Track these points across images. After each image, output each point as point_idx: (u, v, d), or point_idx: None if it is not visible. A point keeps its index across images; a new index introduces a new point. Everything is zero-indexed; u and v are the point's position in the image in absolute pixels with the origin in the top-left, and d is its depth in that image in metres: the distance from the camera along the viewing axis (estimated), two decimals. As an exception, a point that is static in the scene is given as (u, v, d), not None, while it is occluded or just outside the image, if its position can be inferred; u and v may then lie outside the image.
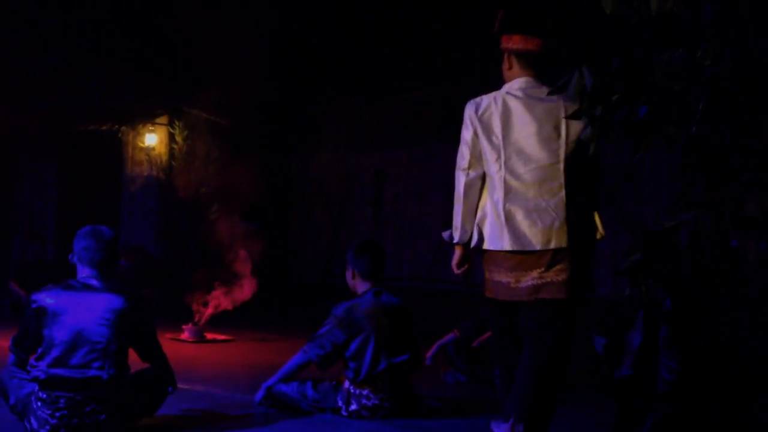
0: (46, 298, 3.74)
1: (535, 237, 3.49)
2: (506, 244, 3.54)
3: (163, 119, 10.86)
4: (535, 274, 3.53)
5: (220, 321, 7.95)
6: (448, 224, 3.84)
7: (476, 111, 3.67)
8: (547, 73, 3.65)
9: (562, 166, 3.51)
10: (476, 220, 3.67)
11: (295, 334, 7.21)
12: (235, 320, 8.28)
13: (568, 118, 3.43)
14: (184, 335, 7.68)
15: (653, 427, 2.44)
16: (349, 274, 4.67)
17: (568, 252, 3.50)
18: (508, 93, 3.64)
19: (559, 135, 3.53)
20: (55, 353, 3.66)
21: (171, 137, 10.80)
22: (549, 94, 3.24)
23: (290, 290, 10.56)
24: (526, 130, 3.55)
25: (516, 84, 3.66)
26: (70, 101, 10.70)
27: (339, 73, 10.49)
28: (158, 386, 4.01)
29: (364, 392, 4.34)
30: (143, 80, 10.53)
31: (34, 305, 3.75)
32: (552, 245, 3.49)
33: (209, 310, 7.88)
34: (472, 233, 3.68)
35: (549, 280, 3.51)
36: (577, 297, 3.59)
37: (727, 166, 2.40)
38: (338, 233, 10.80)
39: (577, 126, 3.40)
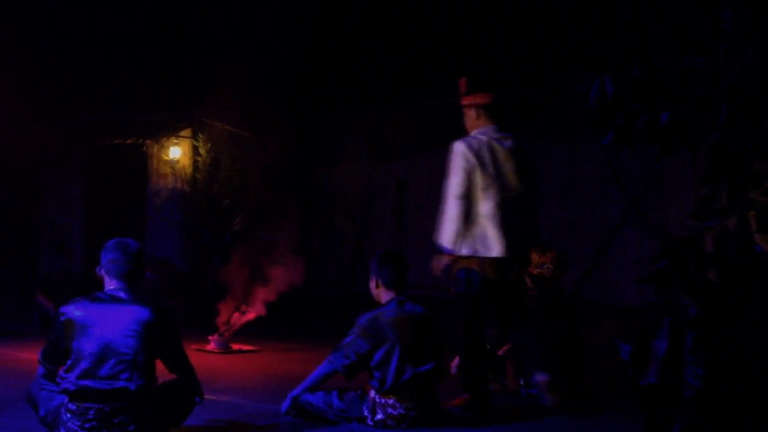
0: (74, 311, 3.79)
1: (516, 246, 4.73)
2: (500, 252, 4.69)
3: (187, 132, 10.95)
4: (515, 273, 4.86)
5: (245, 331, 7.98)
6: None
7: (470, 149, 4.75)
8: (504, 121, 4.91)
9: (530, 195, 4.86)
10: (466, 235, 4.70)
11: (319, 344, 7.22)
12: (261, 331, 8.31)
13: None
14: (210, 346, 7.72)
15: (680, 434, 2.42)
16: (372, 284, 4.68)
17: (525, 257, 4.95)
18: (488, 137, 4.80)
19: (524, 172, 4.81)
20: (83, 365, 3.71)
21: (195, 150, 10.89)
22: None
23: (314, 300, 10.58)
24: (508, 167, 4.76)
25: (488, 131, 4.85)
26: (95, 116, 10.84)
27: (361, 84, 10.53)
28: (185, 397, 4.04)
29: (390, 401, 4.34)
30: (166, 94, 10.63)
31: (62, 318, 3.80)
32: (523, 251, 4.87)
33: (235, 321, 7.91)
34: (461, 245, 4.73)
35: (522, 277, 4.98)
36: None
37: (750, 171, 2.39)
38: (361, 243, 10.82)
39: (530, 163, 4.88)
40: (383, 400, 4.35)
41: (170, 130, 10.93)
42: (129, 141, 10.99)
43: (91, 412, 3.68)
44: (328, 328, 6.92)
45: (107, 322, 3.76)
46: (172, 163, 11.01)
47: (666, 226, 7.46)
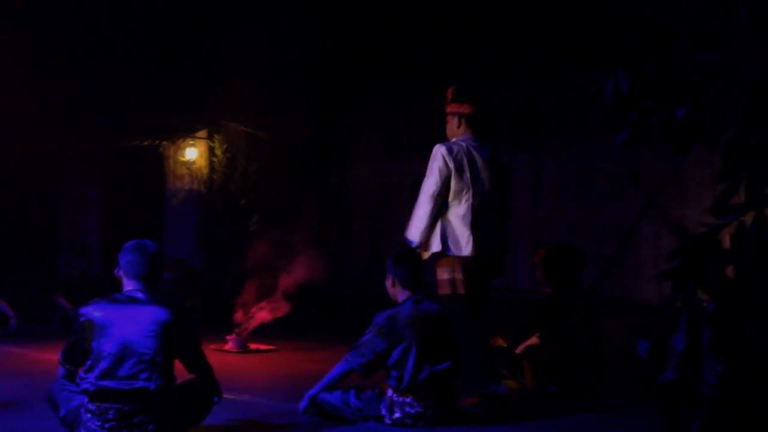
0: (93, 312, 3.83)
1: (488, 247, 5.03)
2: (472, 252, 4.94)
3: (203, 133, 11.00)
4: (483, 274, 5.09)
5: (262, 331, 8.01)
6: None
7: (450, 154, 5.03)
8: (482, 131, 5.24)
9: (500, 202, 5.20)
10: (437, 232, 4.99)
11: (336, 343, 7.24)
12: (278, 330, 8.33)
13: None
14: (228, 346, 7.76)
15: (699, 431, 2.41)
16: (389, 283, 4.69)
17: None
18: (468, 145, 5.11)
19: (499, 179, 5.17)
20: (103, 365, 3.74)
21: (211, 151, 10.93)
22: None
23: (331, 300, 10.59)
24: (484, 174, 5.08)
25: (468, 139, 5.17)
26: (112, 119, 10.91)
27: (376, 83, 10.53)
28: (204, 396, 4.07)
29: (407, 400, 4.35)
30: (182, 96, 10.68)
31: (82, 318, 3.83)
32: (498, 252, 5.18)
33: (252, 321, 7.94)
34: (430, 240, 5.01)
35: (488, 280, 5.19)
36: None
37: (768, 167, 2.37)
38: (377, 243, 10.82)
39: (505, 172, 5.31)
40: (401, 399, 4.36)
41: (186, 131, 10.99)
42: (146, 143, 11.05)
43: (111, 412, 3.71)
44: (345, 327, 6.94)
45: (126, 322, 3.79)
46: (188, 164, 11.07)
47: (683, 223, 7.43)
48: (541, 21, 8.60)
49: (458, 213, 5.00)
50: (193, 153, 11.00)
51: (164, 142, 11.11)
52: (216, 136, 10.88)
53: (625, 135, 2.65)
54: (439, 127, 10.05)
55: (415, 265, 4.67)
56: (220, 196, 10.85)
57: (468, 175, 5.02)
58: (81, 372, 3.85)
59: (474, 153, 5.10)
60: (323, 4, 10.86)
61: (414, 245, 5.04)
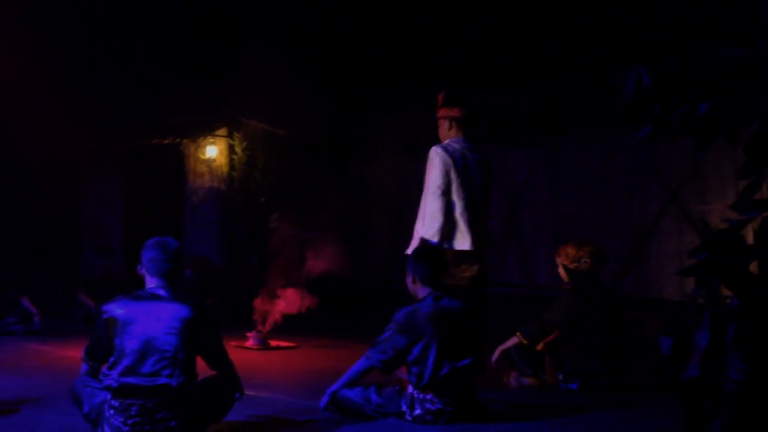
0: (116, 309, 3.85)
1: (479, 242, 5.32)
2: (470, 246, 5.25)
3: (223, 131, 11.05)
4: (477, 266, 5.38)
5: (283, 328, 8.04)
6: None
7: (447, 152, 5.38)
8: (471, 133, 5.57)
9: (487, 200, 5.55)
10: (443, 230, 5.24)
11: (357, 340, 7.25)
12: (298, 327, 8.36)
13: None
14: (249, 343, 7.80)
15: (722, 428, 2.39)
16: (409, 280, 4.70)
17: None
18: (462, 146, 5.45)
19: (485, 179, 5.50)
20: (126, 362, 3.77)
21: (231, 149, 10.98)
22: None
23: (351, 297, 10.62)
24: (474, 173, 5.43)
25: (460, 141, 5.51)
26: (133, 117, 10.98)
27: (396, 81, 10.52)
28: (226, 393, 4.09)
29: (428, 397, 4.35)
30: (202, 94, 10.73)
31: (105, 316, 3.86)
32: (485, 246, 5.49)
33: (272, 318, 7.98)
34: (442, 239, 5.23)
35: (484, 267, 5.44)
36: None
37: (792, 162, 2.35)
38: (397, 240, 10.82)
39: (491, 173, 5.57)
40: (421, 395, 4.36)
41: (206, 129, 11.04)
42: (166, 141, 11.11)
43: (134, 409, 3.74)
44: (365, 324, 6.95)
45: (148, 319, 3.82)
46: (208, 162, 11.12)
47: (706, 219, 7.37)
48: (562, 17, 8.56)
49: (458, 209, 5.32)
50: (213, 151, 11.05)
51: (185, 141, 11.17)
52: (236, 134, 10.93)
53: (648, 130, 2.63)
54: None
55: (435, 262, 4.67)
56: (240, 194, 10.90)
57: (463, 173, 5.38)
58: (104, 368, 3.88)
59: (466, 153, 5.45)
60: (345, 1, 10.86)
61: (435, 244, 5.19)
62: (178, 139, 11.14)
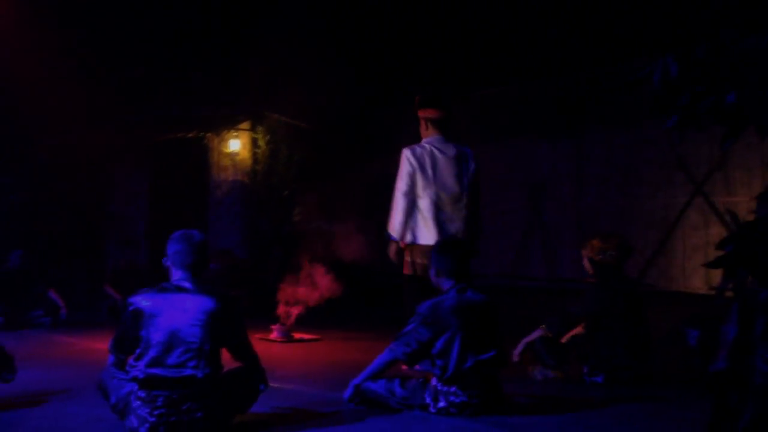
0: (142, 301, 3.88)
1: (453, 234, 5.65)
2: (433, 240, 5.48)
3: (246, 125, 11.09)
4: None
5: (307, 321, 8.07)
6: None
7: (413, 155, 5.79)
8: (448, 132, 5.90)
9: (465, 194, 5.79)
10: (409, 226, 5.75)
11: (380, 332, 7.26)
12: (322, 320, 8.40)
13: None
14: (273, 335, 7.84)
15: (751, 421, 2.37)
16: (433, 272, 4.69)
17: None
18: (432, 146, 5.81)
19: (462, 174, 5.80)
20: (152, 353, 3.80)
21: (254, 142, 11.02)
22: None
23: (374, 290, 10.63)
24: (446, 171, 5.77)
25: (434, 140, 5.86)
26: (157, 112, 11.06)
27: (419, 73, 10.50)
28: (251, 384, 4.12)
29: (452, 389, 4.34)
30: (226, 88, 10.77)
31: (131, 308, 3.89)
32: (463, 238, 5.66)
33: (296, 311, 8.01)
34: (405, 233, 5.77)
35: None
36: None
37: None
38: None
39: (471, 168, 5.84)
40: (445, 388, 4.36)
41: (230, 123, 11.09)
42: (190, 135, 11.18)
43: (160, 399, 3.77)
44: (389, 316, 6.97)
45: (174, 311, 3.85)
46: (232, 156, 11.17)
47: (733, 210, 7.30)
48: (588, 9, 8.49)
49: (423, 207, 5.77)
50: (236, 144, 11.10)
51: (209, 134, 11.23)
52: (259, 128, 10.96)
53: (675, 120, 2.61)
54: (481, 117, 10.05)
55: (459, 255, 4.65)
56: (263, 187, 10.94)
57: (430, 172, 5.78)
58: (131, 360, 3.91)
59: (436, 153, 5.83)
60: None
61: (395, 239, 5.84)
62: (202, 133, 11.20)
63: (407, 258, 5.86)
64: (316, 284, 7.98)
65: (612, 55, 8.24)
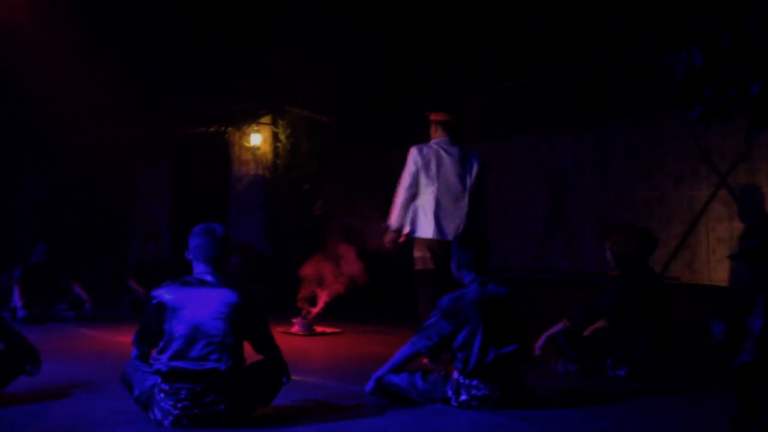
0: (165, 294, 3.91)
1: (449, 232, 6.08)
2: (431, 234, 6.10)
3: (267, 119, 11.11)
4: (443, 253, 5.96)
5: (328, 314, 8.09)
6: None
7: (420, 154, 6.23)
8: (456, 135, 6.38)
9: (467, 193, 6.20)
10: (410, 218, 6.20)
11: (402, 326, 7.26)
12: (343, 313, 8.41)
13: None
14: (294, 328, 7.87)
15: (777, 415, 2.34)
16: (454, 266, 4.68)
17: None
18: (439, 147, 6.28)
19: (466, 175, 6.23)
20: (175, 346, 3.82)
21: (275, 136, 11.04)
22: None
23: (395, 283, 10.63)
24: (450, 171, 6.21)
25: (441, 142, 6.33)
26: (179, 106, 11.10)
27: (438, 66, 10.47)
28: (273, 377, 4.13)
29: (474, 383, 4.34)
30: (246, 82, 10.80)
31: (154, 301, 3.92)
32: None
33: (318, 304, 8.03)
34: (404, 224, 6.21)
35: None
36: None
37: None
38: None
39: (474, 169, 6.25)
40: (467, 381, 4.35)
41: (251, 117, 11.11)
42: (211, 129, 11.22)
43: (183, 392, 3.80)
44: (411, 310, 6.97)
45: (196, 305, 3.87)
46: (253, 150, 11.20)
47: (757, 202, 7.21)
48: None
49: (424, 202, 6.19)
50: (257, 139, 11.13)
51: (230, 129, 11.26)
52: (280, 122, 10.98)
53: (699, 111, 2.58)
54: (502, 109, 10.00)
55: (480, 248, 4.64)
56: (284, 181, 10.96)
57: (434, 171, 6.21)
58: (154, 353, 3.94)
59: (443, 153, 6.27)
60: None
61: (391, 229, 6.27)
62: (223, 128, 11.23)
63: (417, 254, 6.23)
64: (344, 265, 7.99)
65: (634, 46, 8.16)
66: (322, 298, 7.99)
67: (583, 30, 8.74)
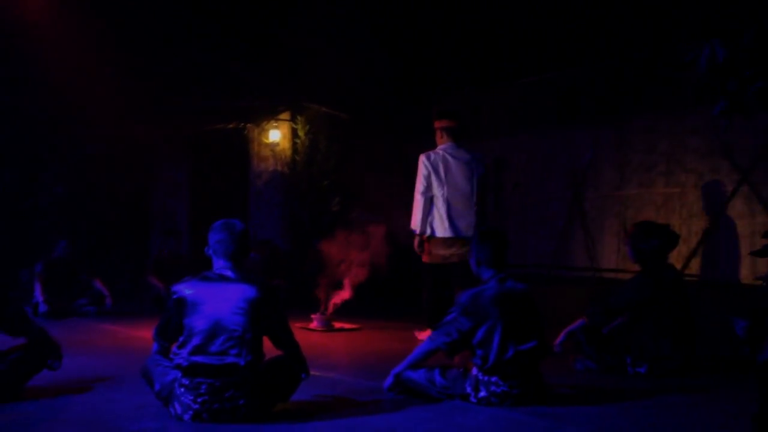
0: (185, 290, 3.93)
1: (462, 228, 6.83)
2: (447, 233, 6.83)
3: (286, 115, 11.13)
4: (457, 248, 6.88)
5: (347, 310, 8.10)
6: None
7: (428, 160, 6.93)
8: (460, 139, 7.07)
9: (474, 193, 6.92)
10: (428, 221, 6.90)
11: (420, 322, 7.26)
12: (362, 309, 8.42)
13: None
14: (313, 324, 7.88)
15: (800, 413, 2.32)
16: (473, 262, 4.67)
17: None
18: (445, 152, 6.95)
19: (472, 176, 6.94)
20: (195, 341, 3.85)
21: (293, 132, 11.06)
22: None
23: (414, 280, 10.62)
24: (457, 173, 6.91)
25: (447, 147, 6.98)
26: (198, 103, 11.14)
27: (456, 62, 10.43)
28: (292, 372, 4.15)
29: (493, 379, 4.33)
30: (265, 78, 10.81)
31: (174, 296, 3.95)
32: (468, 234, 6.71)
33: (336, 300, 8.04)
34: (425, 227, 6.91)
35: (464, 250, 6.58)
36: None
37: None
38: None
39: (479, 170, 6.98)
40: (486, 378, 4.34)
41: (270, 113, 11.13)
42: (230, 126, 11.25)
43: (203, 387, 3.82)
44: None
45: (216, 300, 3.89)
46: (272, 146, 11.23)
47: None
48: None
49: (438, 204, 6.86)
50: (276, 135, 11.15)
51: (248, 125, 11.29)
52: (299, 118, 10.99)
53: (722, 106, 2.56)
54: (521, 106, 9.97)
55: (499, 244, 4.63)
56: (303, 177, 10.97)
57: (443, 174, 6.86)
58: (174, 348, 3.97)
59: (449, 158, 6.91)
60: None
61: (417, 233, 6.92)
62: (242, 124, 11.27)
63: (426, 248, 6.95)
64: (354, 274, 7.98)
65: (655, 41, 8.09)
66: (347, 285, 7.98)
67: (603, 25, 8.67)
